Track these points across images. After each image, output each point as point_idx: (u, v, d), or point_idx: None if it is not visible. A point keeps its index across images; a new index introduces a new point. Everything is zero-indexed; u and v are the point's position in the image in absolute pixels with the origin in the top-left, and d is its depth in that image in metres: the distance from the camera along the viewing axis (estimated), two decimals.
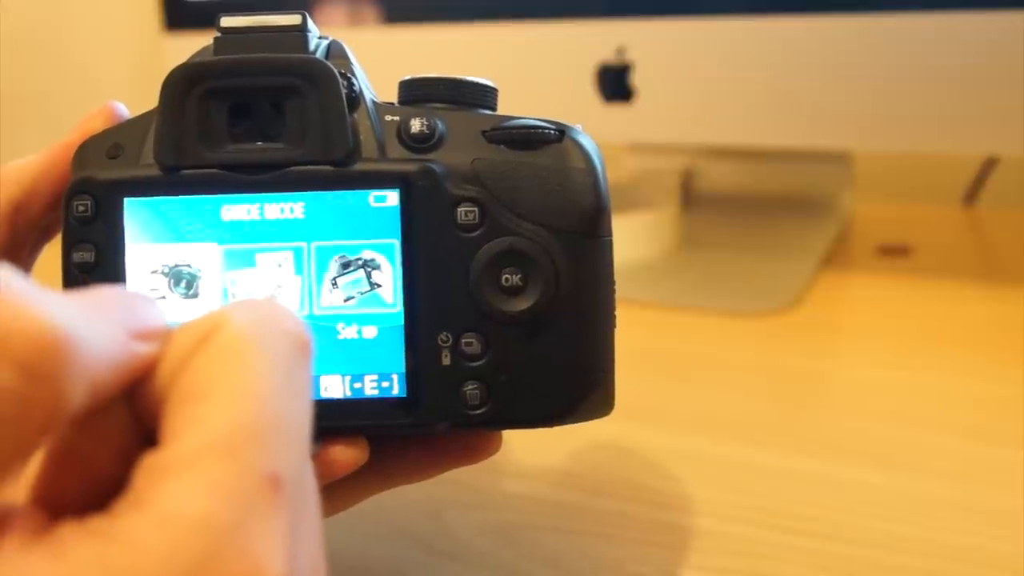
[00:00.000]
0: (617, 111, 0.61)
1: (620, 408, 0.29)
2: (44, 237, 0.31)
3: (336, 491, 0.28)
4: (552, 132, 0.27)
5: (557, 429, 0.28)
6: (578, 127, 0.28)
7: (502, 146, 0.27)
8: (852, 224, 0.71)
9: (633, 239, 0.65)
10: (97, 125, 0.29)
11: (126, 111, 0.30)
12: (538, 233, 0.27)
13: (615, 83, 0.61)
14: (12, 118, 0.92)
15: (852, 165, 0.71)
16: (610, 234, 0.28)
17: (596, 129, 0.29)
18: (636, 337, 0.44)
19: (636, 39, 0.60)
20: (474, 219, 0.27)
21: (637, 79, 0.60)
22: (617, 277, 0.28)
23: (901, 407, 0.44)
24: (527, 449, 0.41)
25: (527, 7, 0.62)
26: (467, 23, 0.64)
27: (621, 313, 0.28)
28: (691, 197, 0.75)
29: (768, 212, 0.71)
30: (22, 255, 0.31)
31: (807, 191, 0.72)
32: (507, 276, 0.27)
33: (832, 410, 0.46)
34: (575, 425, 0.28)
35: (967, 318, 0.54)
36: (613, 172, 0.29)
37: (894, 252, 0.65)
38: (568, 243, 0.27)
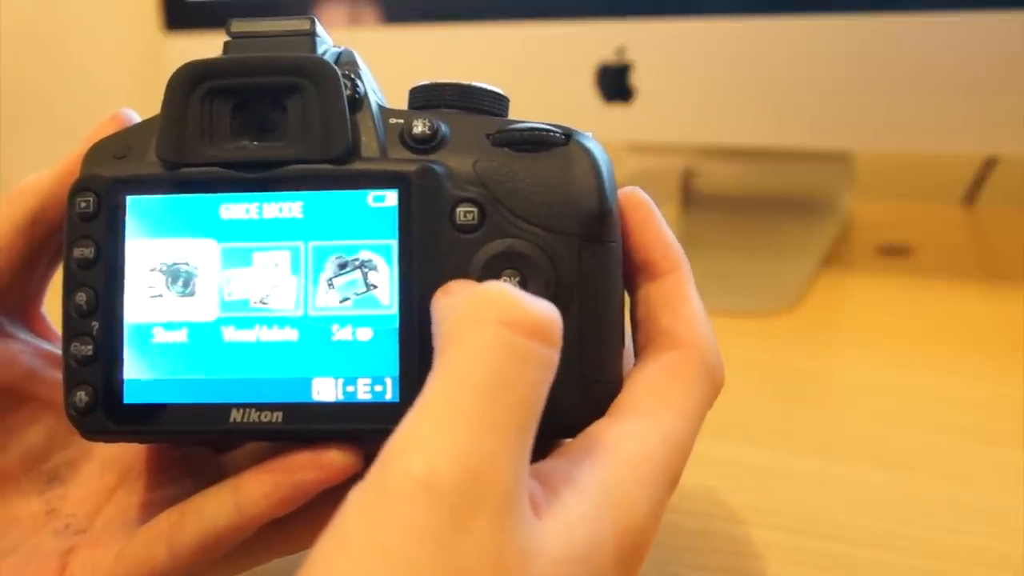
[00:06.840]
0: (617, 111, 0.61)
1: None
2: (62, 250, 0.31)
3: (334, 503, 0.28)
4: (558, 135, 0.27)
5: None
6: (588, 133, 0.28)
7: (506, 148, 0.27)
8: (852, 224, 0.71)
9: None
10: (108, 133, 0.29)
11: (137, 117, 0.30)
12: (538, 235, 0.26)
13: (615, 83, 0.61)
14: (12, 118, 0.92)
15: (852, 165, 0.71)
16: (617, 239, 0.27)
17: (596, 129, 0.29)
18: None
19: (636, 39, 0.60)
20: (473, 219, 0.26)
21: (637, 79, 0.60)
22: None
23: (901, 407, 0.44)
24: None
25: (527, 7, 0.62)
26: (467, 23, 0.64)
27: None
28: (691, 197, 0.75)
29: (768, 212, 0.71)
30: (40, 267, 0.31)
31: (807, 191, 0.71)
32: (506, 278, 0.26)
33: (832, 410, 0.45)
34: None
35: (967, 318, 0.54)
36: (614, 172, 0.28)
37: (894, 252, 0.65)
38: (570, 246, 0.26)
